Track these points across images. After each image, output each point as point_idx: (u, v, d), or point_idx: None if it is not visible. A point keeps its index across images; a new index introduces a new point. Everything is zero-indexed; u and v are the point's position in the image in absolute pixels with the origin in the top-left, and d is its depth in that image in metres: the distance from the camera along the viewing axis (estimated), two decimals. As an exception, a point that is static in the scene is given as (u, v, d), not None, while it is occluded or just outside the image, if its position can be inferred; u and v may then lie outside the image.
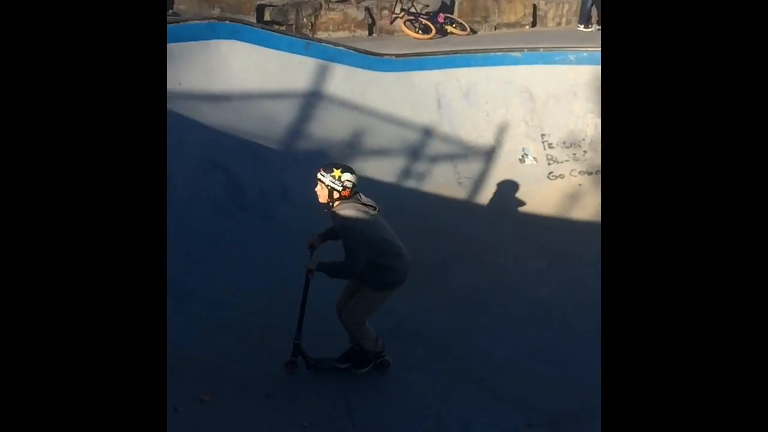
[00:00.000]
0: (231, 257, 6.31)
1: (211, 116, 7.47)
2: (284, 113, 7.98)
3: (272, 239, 6.67)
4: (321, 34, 10.06)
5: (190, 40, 7.72)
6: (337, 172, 4.44)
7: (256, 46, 8.12)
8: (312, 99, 8.19)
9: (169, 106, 7.21)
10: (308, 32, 10.04)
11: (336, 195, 4.45)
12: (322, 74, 8.35)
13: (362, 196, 4.57)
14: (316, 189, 4.53)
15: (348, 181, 4.44)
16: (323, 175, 4.46)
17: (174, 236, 6.12)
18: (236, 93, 7.81)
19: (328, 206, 4.53)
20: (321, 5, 10.31)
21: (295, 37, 8.87)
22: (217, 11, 9.21)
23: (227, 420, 4.24)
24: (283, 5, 10.11)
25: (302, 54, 8.36)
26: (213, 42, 7.92)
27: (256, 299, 5.85)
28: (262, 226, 6.85)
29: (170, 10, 9.33)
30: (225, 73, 7.82)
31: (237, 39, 8.10)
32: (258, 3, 9.83)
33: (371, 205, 4.54)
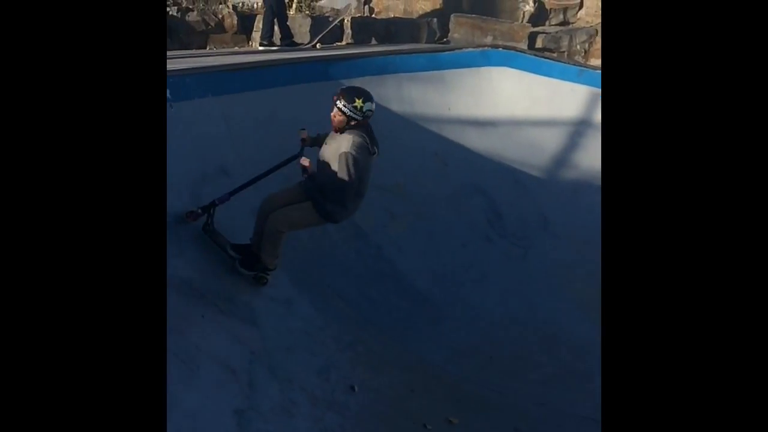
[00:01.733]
0: (485, 282, 6.26)
1: (476, 141, 7.56)
2: (550, 141, 7.78)
3: (529, 269, 6.49)
4: (594, 62, 9.69)
5: (462, 67, 7.93)
6: (359, 102, 4.16)
7: (527, 73, 8.06)
8: (581, 128, 7.89)
9: (438, 129, 7.49)
10: (581, 59, 9.74)
11: (353, 123, 4.20)
12: (594, 102, 8.00)
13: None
14: (332, 114, 4.24)
15: (369, 110, 4.20)
16: (344, 105, 4.18)
17: (430, 256, 6.33)
18: (503, 119, 7.82)
19: (341, 131, 4.24)
20: (596, 32, 9.94)
21: (568, 63, 8.65)
22: (489, 39, 9.35)
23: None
24: (556, 32, 9.94)
25: (574, 81, 8.11)
26: (484, 69, 8.04)
27: (508, 328, 5.71)
28: (520, 255, 6.71)
29: (445, 38, 9.71)
30: (493, 98, 7.88)
31: (508, 66, 8.13)
32: (530, 30, 9.79)
33: (376, 145, 4.30)
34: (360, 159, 4.20)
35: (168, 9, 8.65)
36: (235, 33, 9.00)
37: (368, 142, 4.26)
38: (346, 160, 4.14)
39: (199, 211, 4.59)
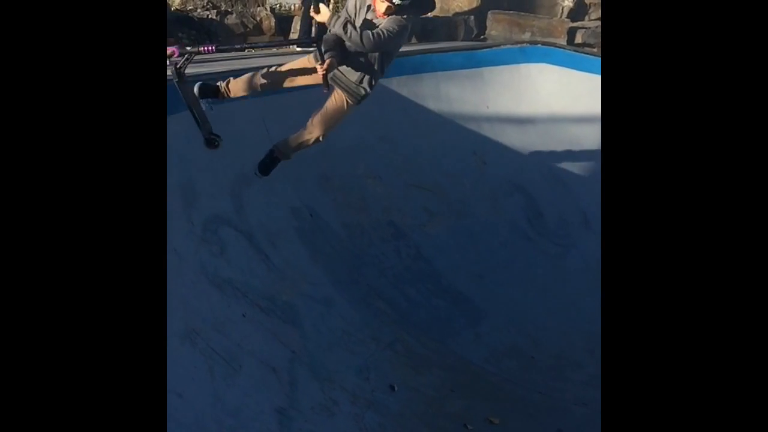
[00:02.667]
0: (525, 281, 6.19)
1: (515, 139, 7.48)
2: (590, 137, 7.65)
3: (570, 267, 6.40)
4: (636, 56, 9.50)
5: (500, 64, 7.86)
6: None
7: (567, 69, 7.95)
8: (622, 123, 7.74)
9: (476, 128, 7.43)
10: (622, 54, 9.56)
11: (394, 9, 3.93)
12: (635, 97, 7.85)
13: None
14: (374, 3, 3.97)
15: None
16: None
17: (469, 255, 6.28)
18: (542, 116, 7.72)
19: (387, 14, 3.97)
20: (638, 25, 9.75)
21: (608, 58, 8.49)
22: (527, 35, 9.26)
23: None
24: (596, 27, 9.78)
25: (615, 76, 7.96)
26: (523, 65, 7.96)
27: (549, 327, 5.63)
28: (560, 253, 6.62)
29: (482, 36, 9.63)
30: (532, 95, 7.79)
31: (547, 62, 8.03)
32: (570, 26, 9.65)
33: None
34: (402, 37, 4.08)
35: (207, 12, 8.78)
36: (273, 35, 9.08)
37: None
38: (394, 42, 4.03)
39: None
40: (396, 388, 4.40)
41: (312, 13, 4.13)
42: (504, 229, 6.70)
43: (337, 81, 4.17)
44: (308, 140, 4.41)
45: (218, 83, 4.46)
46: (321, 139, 4.38)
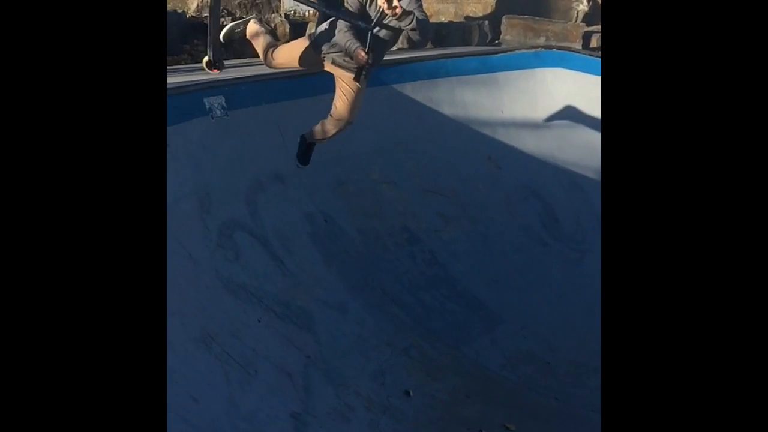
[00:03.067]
0: (541, 287, 6.15)
1: (530, 143, 7.45)
2: (606, 142, 7.60)
3: (586, 272, 6.34)
4: (652, 60, 9.43)
5: (515, 69, 7.83)
6: None
7: (582, 74, 7.89)
8: (639, 127, 7.68)
9: (491, 133, 7.41)
10: (638, 58, 9.49)
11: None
12: (651, 101, 7.78)
13: None
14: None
15: None
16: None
17: (484, 261, 6.25)
18: (557, 120, 7.68)
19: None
20: (654, 29, 9.68)
21: (624, 62, 8.44)
22: (542, 40, 9.21)
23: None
24: (612, 31, 9.72)
25: (631, 80, 7.91)
26: (538, 70, 7.92)
27: (566, 333, 5.59)
28: (577, 259, 6.57)
29: (496, 41, 9.61)
30: (548, 100, 7.75)
31: (562, 67, 7.98)
32: (585, 30, 9.60)
33: None
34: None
35: (222, 19, 8.82)
36: (288, 41, 9.12)
37: None
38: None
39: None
40: (411, 394, 4.38)
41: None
42: (519, 234, 6.67)
43: (336, 63, 4.18)
44: (337, 129, 4.44)
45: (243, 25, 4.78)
46: (351, 122, 4.40)
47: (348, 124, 4.42)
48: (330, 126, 4.47)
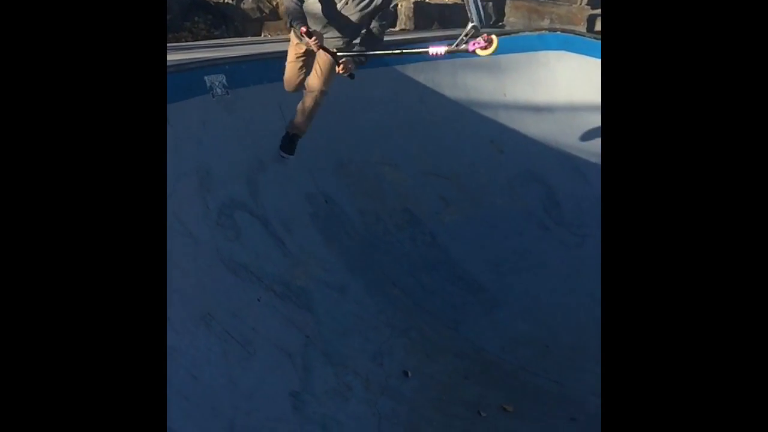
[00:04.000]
0: (541, 271, 6.15)
1: (533, 127, 7.41)
2: (609, 126, 7.56)
3: (586, 257, 6.33)
4: (656, 44, 9.37)
5: (518, 52, 7.77)
6: None
7: (586, 57, 7.84)
8: (642, 112, 7.64)
9: (493, 116, 7.37)
10: (642, 42, 9.43)
11: None
12: (655, 86, 7.74)
13: None
14: None
15: None
16: None
17: (485, 244, 6.25)
18: (560, 104, 7.64)
19: None
20: (659, 13, 9.60)
21: (629, 46, 8.38)
22: (546, 22, 9.14)
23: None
24: (617, 15, 9.64)
25: (635, 64, 7.86)
26: (541, 53, 7.87)
27: (565, 316, 5.59)
28: (577, 243, 6.56)
29: (500, 23, 9.54)
30: (551, 83, 7.71)
31: (566, 50, 7.93)
32: (590, 13, 9.52)
33: None
34: None
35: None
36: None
37: None
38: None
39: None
40: (410, 375, 4.40)
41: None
42: (520, 218, 6.65)
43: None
44: (313, 101, 4.49)
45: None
46: (325, 91, 4.47)
47: (323, 94, 4.48)
48: (307, 101, 4.53)
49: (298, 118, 4.71)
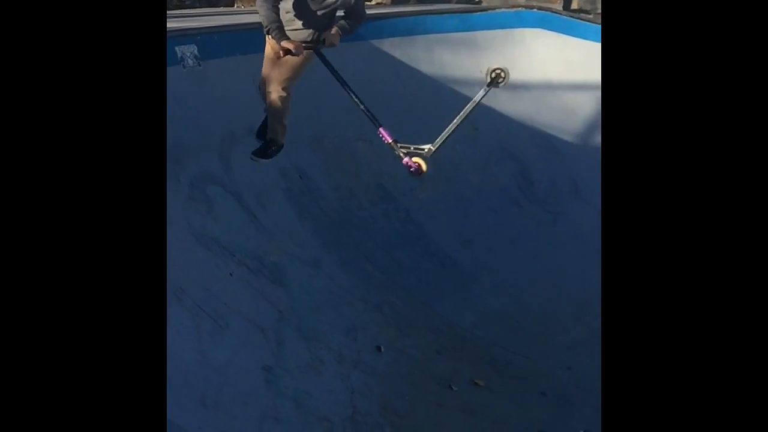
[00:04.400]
0: (514, 247, 6.19)
1: (508, 105, 7.40)
2: (584, 105, 7.59)
3: (558, 234, 6.40)
4: (632, 24, 9.40)
5: (494, 28, 7.75)
6: None
7: (562, 35, 7.85)
8: (616, 92, 7.69)
9: (468, 93, 7.34)
10: (618, 21, 9.45)
11: None
12: (630, 65, 7.78)
13: None
14: None
15: None
16: None
17: (459, 220, 6.27)
18: (536, 82, 7.64)
19: None
20: (635, -7, 9.63)
21: (604, 25, 8.41)
22: None
23: (500, 410, 4.15)
24: (593, -7, 9.65)
25: (610, 43, 7.89)
26: (517, 30, 7.85)
27: (536, 293, 5.66)
28: (549, 220, 6.62)
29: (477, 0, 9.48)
30: (526, 61, 7.69)
31: (542, 27, 7.92)
32: (566, -9, 9.52)
33: None
34: None
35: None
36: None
37: None
38: None
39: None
40: (382, 349, 4.42)
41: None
42: (494, 195, 6.68)
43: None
44: (276, 92, 4.08)
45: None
46: (284, 93, 4.12)
47: (282, 98, 4.15)
48: (271, 92, 4.12)
49: (270, 125, 4.31)
